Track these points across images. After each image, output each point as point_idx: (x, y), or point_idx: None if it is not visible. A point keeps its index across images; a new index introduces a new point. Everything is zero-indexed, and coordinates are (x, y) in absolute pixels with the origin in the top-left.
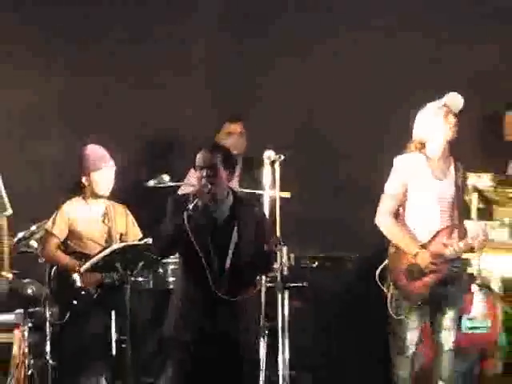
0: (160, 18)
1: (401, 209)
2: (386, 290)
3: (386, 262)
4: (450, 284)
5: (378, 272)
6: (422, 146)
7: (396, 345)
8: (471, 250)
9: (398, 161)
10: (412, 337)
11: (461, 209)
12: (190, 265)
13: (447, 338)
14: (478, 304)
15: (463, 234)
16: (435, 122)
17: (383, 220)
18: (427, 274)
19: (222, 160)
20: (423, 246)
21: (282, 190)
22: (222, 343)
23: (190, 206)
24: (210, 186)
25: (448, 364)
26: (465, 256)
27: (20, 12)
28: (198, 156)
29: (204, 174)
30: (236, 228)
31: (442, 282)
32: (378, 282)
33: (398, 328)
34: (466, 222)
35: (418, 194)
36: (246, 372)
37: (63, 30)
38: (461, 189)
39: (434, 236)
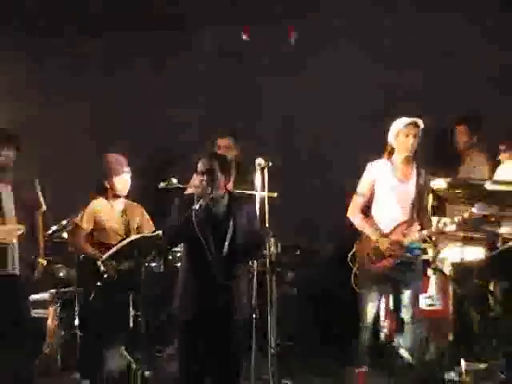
0: (171, 52)
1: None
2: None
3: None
4: (406, 268)
5: (349, 255)
6: (393, 151)
7: (359, 315)
8: (426, 240)
9: (369, 166)
10: (370, 308)
11: (421, 206)
12: (193, 253)
13: (406, 314)
14: (434, 285)
15: (424, 227)
16: (398, 137)
17: (353, 214)
18: (386, 258)
19: (219, 166)
20: (385, 235)
21: (270, 190)
22: (219, 319)
23: (196, 207)
24: (209, 189)
25: (409, 335)
26: (423, 245)
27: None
28: (199, 163)
29: (204, 178)
30: (231, 222)
31: (399, 265)
32: (350, 264)
33: (360, 300)
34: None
35: (383, 194)
36: (238, 342)
37: (96, 59)
38: (421, 190)
39: (395, 227)
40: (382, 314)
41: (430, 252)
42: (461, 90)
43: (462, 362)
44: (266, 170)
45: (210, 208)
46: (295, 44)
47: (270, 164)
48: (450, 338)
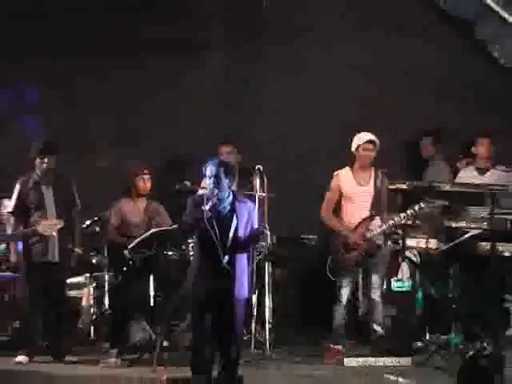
0: (181, 72)
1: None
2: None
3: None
4: (372, 256)
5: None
6: (354, 159)
7: (334, 297)
8: (387, 232)
9: (335, 174)
10: (344, 292)
11: (380, 204)
12: (203, 244)
13: (375, 293)
14: (403, 270)
15: (383, 221)
16: (358, 150)
17: (325, 214)
18: (354, 249)
19: (223, 171)
20: (352, 230)
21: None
22: (224, 296)
23: (207, 207)
24: (216, 191)
25: (379, 312)
26: (393, 236)
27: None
28: (207, 169)
29: (211, 182)
30: (234, 218)
31: (366, 254)
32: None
33: (336, 286)
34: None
35: (348, 196)
36: (240, 317)
37: (122, 80)
38: (379, 190)
39: (359, 223)
40: (360, 295)
41: (401, 241)
42: (426, 108)
43: (427, 334)
44: (264, 175)
45: (217, 206)
46: (285, 66)
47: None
48: (417, 314)
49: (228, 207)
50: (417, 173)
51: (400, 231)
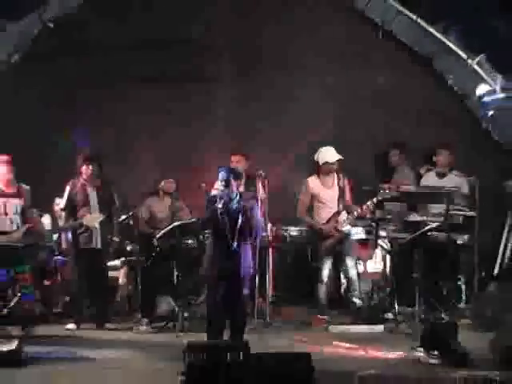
0: (200, 98)
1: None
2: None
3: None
4: (342, 243)
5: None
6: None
7: (318, 277)
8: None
9: (305, 181)
10: (324, 273)
11: (345, 201)
12: (216, 234)
13: (350, 272)
14: (377, 255)
15: (350, 215)
16: (323, 164)
17: (300, 214)
18: (328, 238)
19: (233, 176)
20: (325, 224)
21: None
22: (234, 274)
23: (220, 205)
24: (226, 191)
25: (356, 288)
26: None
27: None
28: (220, 174)
29: (223, 184)
30: (241, 213)
31: (338, 242)
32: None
33: (318, 268)
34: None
35: (318, 198)
36: (245, 291)
37: (151, 106)
38: (343, 190)
39: (330, 218)
40: (342, 275)
41: (374, 230)
42: (394, 125)
43: (396, 306)
44: (266, 179)
45: (228, 204)
46: (279, 93)
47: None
48: (388, 290)
49: (236, 205)
50: (386, 178)
51: (374, 224)
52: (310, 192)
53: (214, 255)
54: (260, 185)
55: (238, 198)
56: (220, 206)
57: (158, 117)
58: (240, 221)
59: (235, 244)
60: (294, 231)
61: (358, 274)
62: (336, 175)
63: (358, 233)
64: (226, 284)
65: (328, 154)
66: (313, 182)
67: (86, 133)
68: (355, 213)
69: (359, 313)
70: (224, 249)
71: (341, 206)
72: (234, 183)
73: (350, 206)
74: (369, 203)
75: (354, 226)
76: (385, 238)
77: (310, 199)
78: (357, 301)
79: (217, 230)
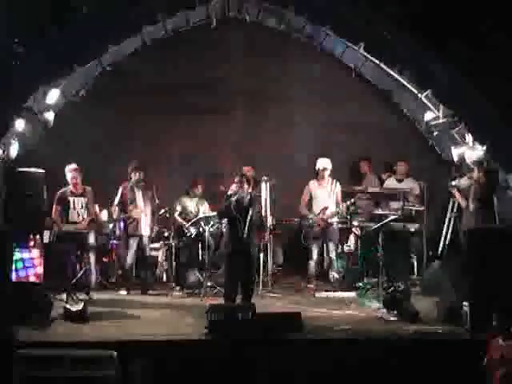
0: (216, 126)
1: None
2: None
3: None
4: (327, 230)
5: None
6: (317, 174)
7: (308, 255)
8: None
9: (307, 184)
10: (314, 252)
11: (333, 199)
12: (231, 222)
13: (333, 254)
14: (351, 239)
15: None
16: (319, 171)
17: (301, 208)
18: (318, 225)
19: (245, 180)
20: (316, 215)
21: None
22: (245, 253)
23: (234, 199)
24: (240, 191)
25: (335, 265)
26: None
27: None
28: (236, 178)
29: (238, 185)
30: (251, 208)
31: (323, 229)
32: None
33: (309, 248)
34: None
35: (314, 197)
36: (254, 266)
37: (182, 131)
38: (333, 192)
39: (320, 211)
40: (325, 255)
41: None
42: (363, 144)
43: (365, 278)
44: (269, 183)
45: (241, 201)
46: (280, 120)
47: (267, 178)
48: (359, 266)
49: (247, 201)
50: (358, 182)
51: (348, 216)
52: (308, 191)
53: (229, 239)
54: (264, 187)
55: (248, 196)
56: (234, 201)
57: (189, 140)
58: (250, 214)
59: (246, 231)
60: (293, 220)
61: (337, 254)
62: (330, 180)
63: (338, 222)
64: (239, 261)
65: (320, 163)
66: (312, 184)
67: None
68: (336, 209)
69: (338, 283)
70: (237, 234)
71: (331, 203)
72: (245, 186)
73: (338, 204)
74: (348, 202)
75: (335, 217)
76: (357, 226)
77: (309, 197)
78: (335, 275)
79: (232, 220)
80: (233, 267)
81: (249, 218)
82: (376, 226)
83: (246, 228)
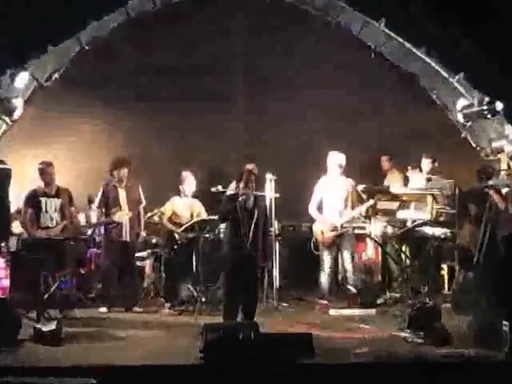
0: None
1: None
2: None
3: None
4: (343, 237)
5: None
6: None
7: (320, 266)
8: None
9: (318, 182)
10: (326, 263)
11: (349, 201)
12: (233, 227)
13: (349, 263)
14: (370, 247)
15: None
16: (332, 167)
17: (311, 210)
18: (330, 232)
19: (254, 179)
20: (328, 219)
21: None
22: (248, 263)
23: (241, 199)
24: (247, 191)
25: (351, 277)
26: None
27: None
28: (244, 176)
29: (244, 184)
30: (256, 210)
31: (337, 236)
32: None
33: (321, 258)
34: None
35: (326, 196)
36: (258, 279)
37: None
38: (349, 192)
39: (333, 214)
40: (340, 265)
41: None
42: (383, 133)
43: (387, 292)
44: (273, 181)
45: (246, 202)
46: (286, 109)
47: (275, 177)
48: (379, 278)
49: (252, 203)
50: (379, 181)
51: (367, 220)
52: (319, 191)
53: (232, 245)
54: (268, 186)
55: (253, 197)
56: (240, 199)
57: (181, 132)
58: (255, 218)
59: (250, 237)
60: (301, 225)
61: (354, 264)
62: (345, 177)
63: (354, 228)
64: (240, 273)
65: (332, 158)
66: (323, 182)
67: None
68: (355, 211)
69: (354, 298)
70: (239, 241)
71: (346, 205)
72: (252, 185)
73: (355, 206)
74: (366, 204)
75: (352, 222)
76: (377, 232)
77: (320, 197)
78: (352, 289)
79: (234, 224)
80: (233, 280)
81: (254, 222)
82: (400, 232)
83: (251, 234)
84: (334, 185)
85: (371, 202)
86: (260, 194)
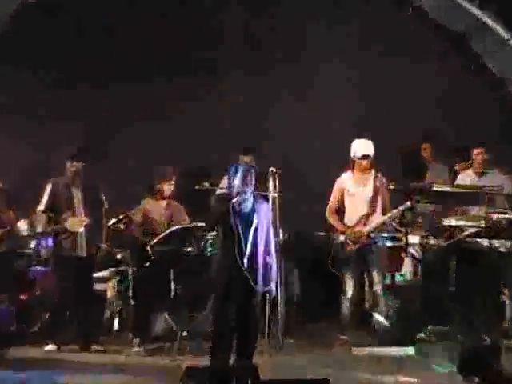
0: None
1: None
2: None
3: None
4: (369, 251)
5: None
6: (354, 164)
7: (341, 288)
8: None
9: (337, 179)
10: (349, 286)
11: (377, 202)
12: (228, 236)
13: (378, 287)
14: (406, 265)
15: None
16: (357, 160)
17: (329, 215)
18: (353, 243)
19: (254, 173)
20: (351, 227)
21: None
22: (244, 285)
23: (234, 200)
24: (244, 189)
25: (382, 304)
26: (396, 234)
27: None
28: (240, 170)
29: (241, 182)
30: (255, 217)
31: (364, 249)
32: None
33: (342, 277)
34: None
35: (349, 197)
36: (257, 305)
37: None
38: (377, 190)
39: (358, 220)
40: (366, 288)
41: (404, 239)
42: (422, 113)
43: (428, 325)
44: (277, 177)
45: (241, 204)
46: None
47: (280, 172)
48: (419, 306)
49: (250, 206)
50: (418, 176)
51: (403, 229)
52: (340, 190)
53: (224, 260)
54: (272, 183)
55: (252, 199)
56: (234, 201)
57: (158, 115)
58: (254, 225)
59: (247, 251)
60: (315, 235)
61: (385, 288)
62: (374, 173)
63: (386, 239)
64: (237, 295)
65: (357, 147)
66: (345, 178)
67: None
68: (386, 217)
69: (386, 332)
70: (233, 257)
71: (375, 208)
72: (252, 182)
73: (386, 209)
74: (402, 207)
75: (381, 231)
76: (416, 245)
77: (340, 198)
78: (382, 319)
79: (228, 232)
80: (225, 309)
81: (252, 232)
82: (446, 244)
83: (249, 247)
84: (358, 182)
85: (408, 204)
86: (261, 193)
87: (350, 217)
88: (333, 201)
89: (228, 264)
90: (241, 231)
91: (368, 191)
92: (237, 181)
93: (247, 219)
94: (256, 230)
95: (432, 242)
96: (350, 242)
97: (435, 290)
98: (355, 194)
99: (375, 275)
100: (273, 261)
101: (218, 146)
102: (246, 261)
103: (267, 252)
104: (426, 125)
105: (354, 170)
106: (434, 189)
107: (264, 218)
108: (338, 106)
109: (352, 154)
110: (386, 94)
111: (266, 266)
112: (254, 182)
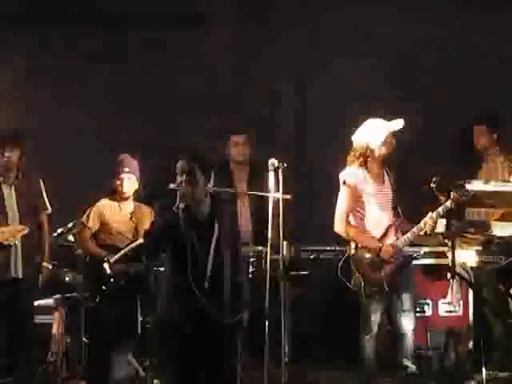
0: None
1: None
2: (352, 282)
3: (346, 256)
4: (401, 271)
5: (339, 265)
6: (371, 155)
7: (362, 325)
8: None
9: (344, 179)
10: (374, 319)
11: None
12: (177, 258)
13: (406, 319)
14: (453, 290)
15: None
16: (386, 141)
17: (341, 227)
18: (386, 264)
19: (200, 166)
20: (379, 241)
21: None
22: (207, 323)
23: (181, 205)
24: (189, 190)
25: (410, 342)
26: (439, 249)
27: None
28: (179, 163)
29: (184, 179)
30: (216, 225)
31: (396, 269)
32: (339, 275)
33: (365, 310)
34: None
35: (365, 199)
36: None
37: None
38: (394, 189)
39: (385, 232)
40: (396, 323)
41: (449, 256)
42: (473, 87)
43: (483, 370)
44: (280, 172)
45: (192, 210)
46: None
47: (285, 165)
48: (470, 345)
49: (206, 211)
50: (467, 170)
51: (448, 243)
52: (354, 191)
53: (173, 293)
54: (271, 180)
55: (208, 201)
56: (181, 206)
57: (119, 86)
58: (215, 236)
59: (208, 273)
60: (325, 253)
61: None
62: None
63: (421, 255)
64: (195, 340)
65: (377, 132)
66: (355, 175)
67: None
68: (421, 225)
69: (417, 381)
70: (190, 283)
71: (399, 212)
72: (201, 178)
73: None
74: (442, 208)
75: (412, 245)
76: (465, 263)
77: (354, 203)
78: (409, 364)
79: (177, 253)
80: (181, 357)
81: (213, 245)
82: (507, 262)
83: (208, 271)
84: (375, 179)
85: (448, 204)
86: (224, 192)
87: (374, 226)
88: (343, 207)
89: (180, 295)
90: (195, 248)
91: (387, 190)
92: (178, 179)
93: (204, 231)
94: (218, 244)
95: (487, 259)
96: (383, 261)
97: (491, 323)
98: (376, 195)
99: (405, 303)
100: (243, 280)
101: (202, 130)
102: (205, 288)
103: (236, 268)
104: (480, 102)
105: (368, 163)
106: (491, 188)
107: (229, 222)
108: (357, 74)
109: (376, 139)
110: (423, 62)
111: (236, 287)
112: (207, 178)
